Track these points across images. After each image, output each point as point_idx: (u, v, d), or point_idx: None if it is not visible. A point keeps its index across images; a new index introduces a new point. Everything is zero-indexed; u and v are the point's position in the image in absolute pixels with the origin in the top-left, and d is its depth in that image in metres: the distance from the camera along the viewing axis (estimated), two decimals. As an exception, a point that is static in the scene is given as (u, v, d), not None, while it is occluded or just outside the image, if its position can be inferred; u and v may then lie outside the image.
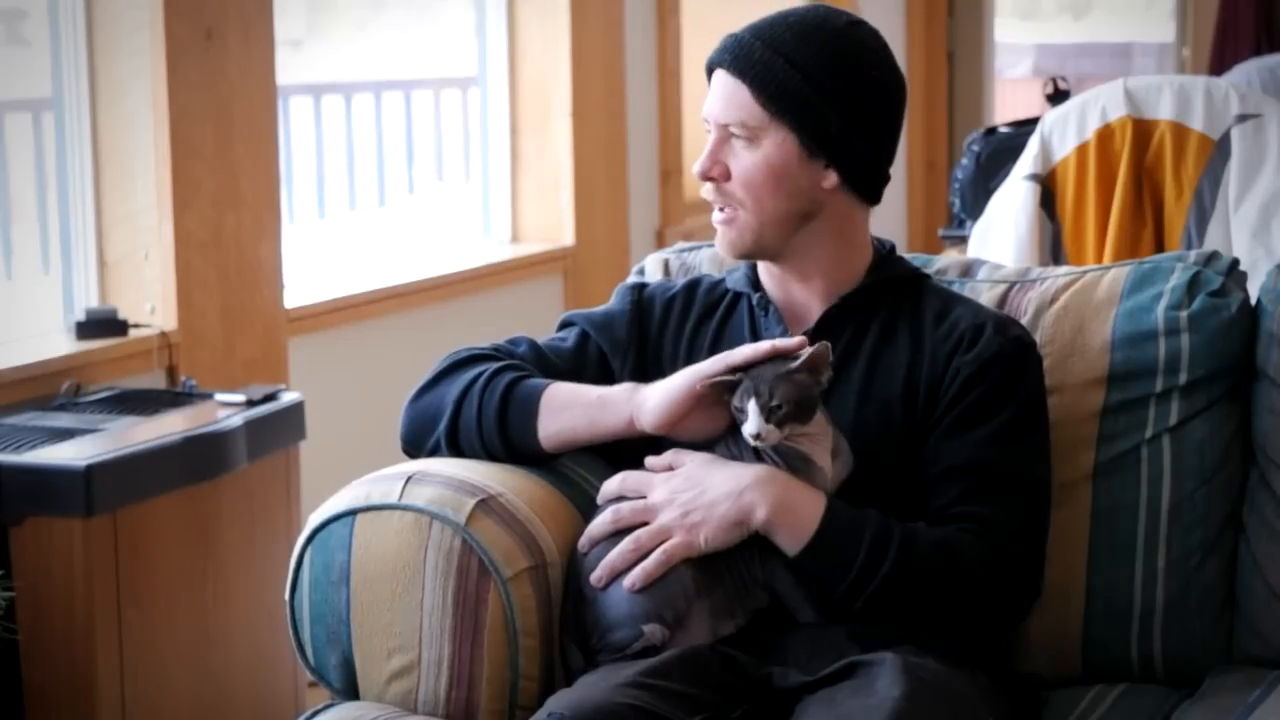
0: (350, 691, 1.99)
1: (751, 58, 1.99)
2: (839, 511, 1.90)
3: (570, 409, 2.01)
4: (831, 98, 1.99)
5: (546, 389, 2.02)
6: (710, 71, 2.05)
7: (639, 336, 2.12)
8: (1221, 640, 2.10)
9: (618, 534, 1.93)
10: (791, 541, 1.89)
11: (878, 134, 2.04)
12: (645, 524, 1.92)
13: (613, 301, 2.18)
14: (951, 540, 1.91)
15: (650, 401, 1.97)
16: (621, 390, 2.01)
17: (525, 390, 2.03)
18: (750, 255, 2.07)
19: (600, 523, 1.96)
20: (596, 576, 1.91)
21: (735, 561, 1.92)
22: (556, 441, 2.03)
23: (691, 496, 1.91)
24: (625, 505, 1.95)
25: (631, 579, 1.89)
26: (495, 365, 2.06)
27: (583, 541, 1.96)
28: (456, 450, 2.05)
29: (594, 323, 2.14)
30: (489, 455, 2.04)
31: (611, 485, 1.99)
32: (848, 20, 2.04)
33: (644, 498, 1.94)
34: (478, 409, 2.03)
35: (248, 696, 2.98)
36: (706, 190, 2.05)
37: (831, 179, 2.02)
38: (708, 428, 1.97)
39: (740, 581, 1.92)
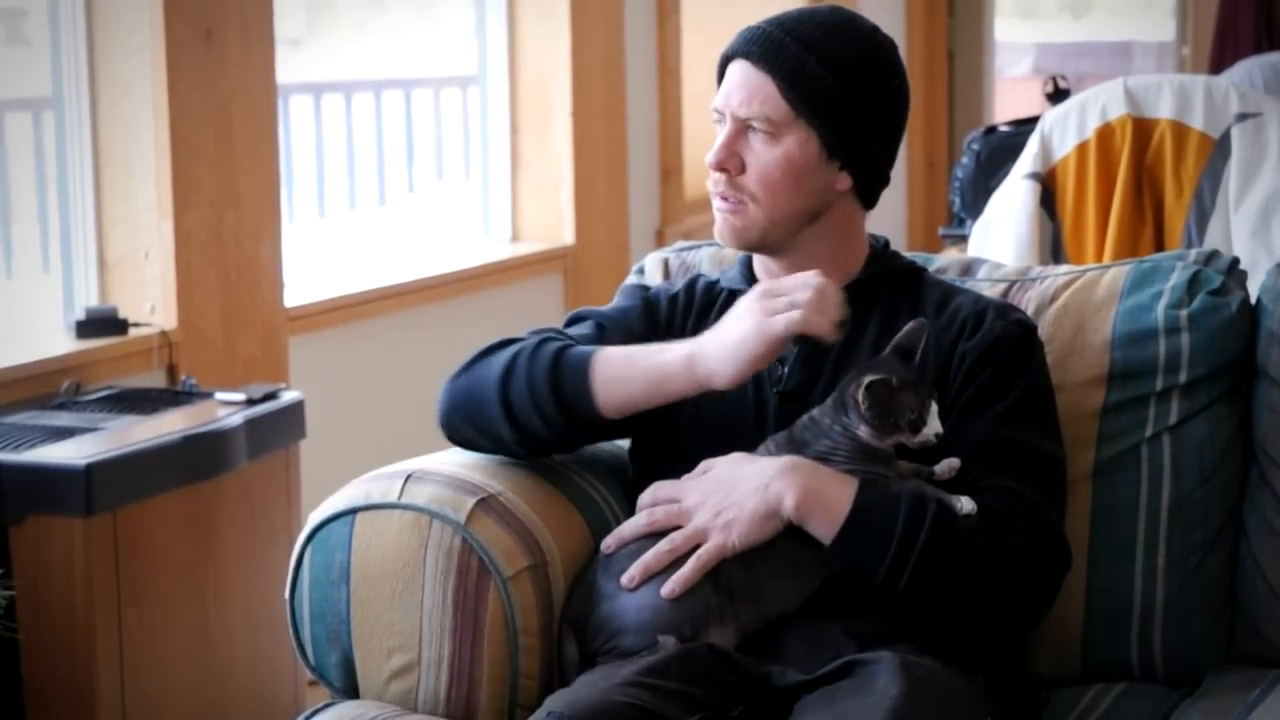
0: (350, 690, 1.99)
1: (782, 53, 1.97)
2: (871, 489, 1.89)
3: (627, 380, 1.95)
4: (857, 101, 1.99)
5: (595, 354, 1.97)
6: (727, 62, 2.03)
7: (650, 333, 2.11)
8: (1221, 640, 2.10)
9: (648, 537, 1.93)
10: (825, 526, 1.87)
11: (891, 141, 2.05)
12: (679, 527, 1.91)
13: (621, 299, 2.17)
14: (985, 505, 1.89)
15: (724, 370, 1.91)
16: (678, 359, 1.94)
17: (573, 358, 1.97)
18: (752, 248, 2.06)
19: (633, 524, 1.95)
20: (629, 577, 1.90)
21: (769, 581, 1.91)
22: (618, 411, 1.97)
23: (722, 496, 1.91)
24: (660, 508, 1.94)
25: (669, 587, 1.87)
26: (536, 338, 2.02)
27: (609, 541, 1.95)
28: (514, 426, 1.98)
29: (608, 317, 2.12)
30: (547, 426, 1.97)
31: (645, 498, 1.98)
32: (871, 25, 2.04)
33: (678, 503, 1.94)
34: (527, 379, 1.97)
35: (248, 696, 2.98)
36: (714, 181, 2.02)
37: (845, 182, 2.02)
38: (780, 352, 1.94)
39: (767, 603, 1.91)
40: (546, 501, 2.01)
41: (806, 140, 1.98)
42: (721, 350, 1.92)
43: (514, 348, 2.02)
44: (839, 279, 2.05)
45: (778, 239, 2.03)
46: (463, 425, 2.03)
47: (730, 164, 2.00)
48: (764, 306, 1.90)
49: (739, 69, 2.01)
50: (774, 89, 1.97)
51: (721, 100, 2.02)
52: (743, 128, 2.00)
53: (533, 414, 1.97)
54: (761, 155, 1.99)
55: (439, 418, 2.05)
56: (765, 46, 1.98)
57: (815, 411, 1.96)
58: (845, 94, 1.98)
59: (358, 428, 3.82)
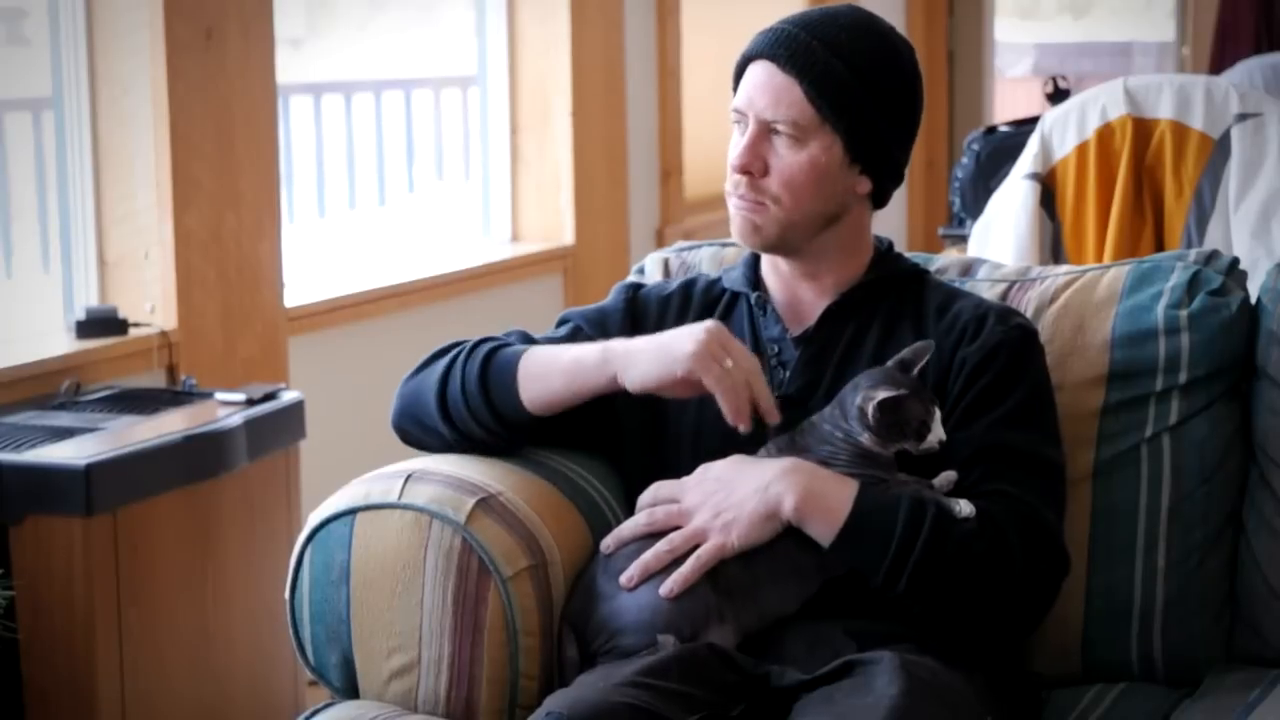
0: (350, 691, 1.99)
1: (810, 56, 1.96)
2: (871, 491, 1.89)
3: (547, 375, 2.00)
4: (881, 106, 1.99)
5: (524, 354, 2.02)
6: (747, 63, 2.02)
7: (628, 334, 2.11)
8: (1221, 640, 2.10)
9: (647, 537, 1.93)
10: (825, 528, 1.87)
11: (909, 143, 2.06)
12: (679, 527, 1.92)
13: (608, 299, 2.17)
14: (983, 509, 1.89)
15: (636, 371, 1.95)
16: (593, 352, 1.99)
17: (503, 358, 2.02)
18: (769, 248, 2.05)
19: (633, 524, 1.95)
20: (628, 576, 1.90)
21: (768, 582, 1.91)
22: (543, 408, 2.01)
23: (722, 497, 1.91)
24: (660, 509, 1.94)
25: (668, 586, 1.87)
26: (474, 340, 2.07)
27: (608, 541, 1.95)
28: (452, 426, 2.04)
29: (587, 318, 2.14)
30: (480, 426, 2.03)
31: (645, 498, 1.98)
32: (888, 26, 2.04)
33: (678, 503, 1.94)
34: (460, 380, 2.02)
35: (248, 696, 2.98)
36: (735, 183, 2.01)
37: (865, 185, 2.03)
38: (691, 392, 1.95)
39: (766, 604, 1.91)
40: (546, 501, 2.01)
41: (831, 145, 1.98)
42: (644, 354, 1.94)
43: (453, 352, 2.07)
44: (844, 281, 2.06)
45: (795, 241, 2.03)
46: (410, 428, 2.09)
47: (754, 167, 1.99)
48: (709, 350, 1.91)
49: (763, 71, 1.99)
50: (801, 93, 1.97)
51: (744, 102, 2.01)
52: (766, 130, 1.99)
53: (466, 414, 2.02)
54: (786, 158, 1.98)
55: (391, 421, 2.11)
56: (792, 49, 1.97)
57: (816, 416, 1.96)
58: (870, 99, 1.98)
59: (358, 428, 3.82)
